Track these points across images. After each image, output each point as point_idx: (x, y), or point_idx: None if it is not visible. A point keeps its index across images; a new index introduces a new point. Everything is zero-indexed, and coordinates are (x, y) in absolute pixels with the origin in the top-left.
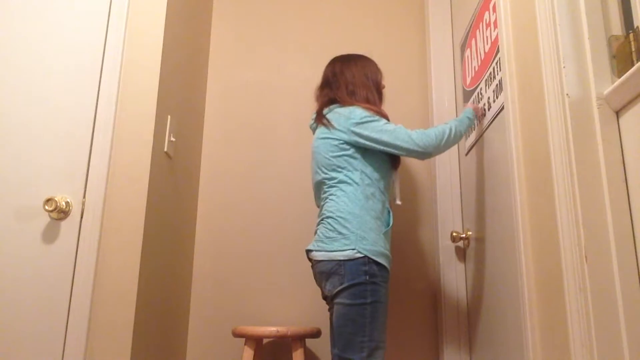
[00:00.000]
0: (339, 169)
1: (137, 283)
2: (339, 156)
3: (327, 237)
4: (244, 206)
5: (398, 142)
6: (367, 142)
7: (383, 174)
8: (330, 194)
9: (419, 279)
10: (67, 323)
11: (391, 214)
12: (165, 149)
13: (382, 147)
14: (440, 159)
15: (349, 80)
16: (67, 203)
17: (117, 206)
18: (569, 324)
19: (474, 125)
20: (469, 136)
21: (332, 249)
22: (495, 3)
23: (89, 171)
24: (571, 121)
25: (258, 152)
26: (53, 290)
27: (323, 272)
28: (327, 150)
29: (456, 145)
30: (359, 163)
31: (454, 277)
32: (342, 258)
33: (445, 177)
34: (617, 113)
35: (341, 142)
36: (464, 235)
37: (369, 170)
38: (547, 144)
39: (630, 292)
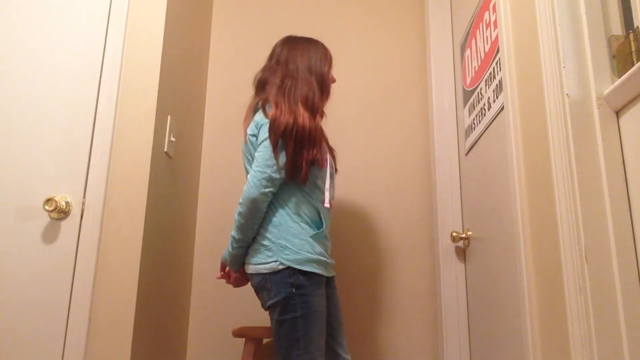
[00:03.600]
0: None
1: (137, 283)
2: (250, 161)
3: (253, 249)
4: None
5: (248, 183)
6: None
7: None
8: None
9: (419, 279)
10: (67, 323)
11: (323, 216)
12: (165, 149)
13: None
14: (440, 159)
15: (291, 73)
16: (67, 203)
17: (117, 206)
18: (569, 324)
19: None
20: (470, 133)
21: (257, 262)
22: (495, 3)
23: (89, 171)
24: (571, 121)
25: None
26: (53, 290)
27: (253, 286)
28: (246, 154)
29: (456, 145)
30: None
31: (454, 277)
32: (266, 271)
33: (445, 177)
34: (617, 113)
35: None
36: (464, 235)
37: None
38: (547, 144)
39: (630, 292)
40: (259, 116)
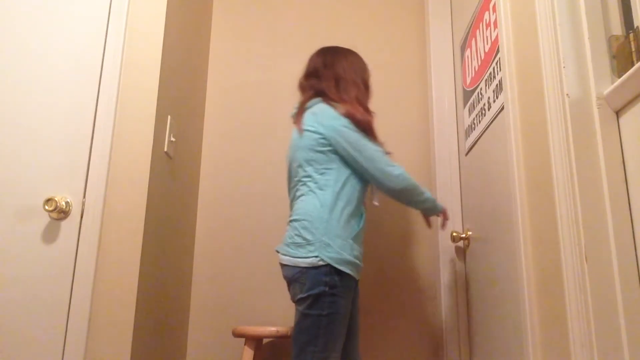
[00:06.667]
0: (317, 167)
1: (137, 283)
2: (320, 152)
3: (293, 243)
4: (244, 206)
5: (375, 165)
6: (345, 151)
7: (361, 175)
8: (302, 194)
9: (419, 278)
10: (67, 323)
11: (364, 215)
12: (165, 149)
13: (357, 165)
14: (440, 159)
15: (340, 74)
16: (67, 203)
17: (117, 206)
18: (569, 324)
19: (431, 208)
20: (470, 133)
21: (296, 255)
22: (495, 3)
23: (89, 171)
24: (571, 121)
25: (258, 152)
26: (53, 290)
27: (286, 277)
28: (308, 145)
29: (456, 145)
30: (338, 163)
31: (454, 277)
32: (304, 265)
33: (445, 177)
34: (617, 113)
35: (322, 138)
36: (464, 235)
37: (347, 172)
38: (547, 144)
39: (630, 292)
40: (326, 107)
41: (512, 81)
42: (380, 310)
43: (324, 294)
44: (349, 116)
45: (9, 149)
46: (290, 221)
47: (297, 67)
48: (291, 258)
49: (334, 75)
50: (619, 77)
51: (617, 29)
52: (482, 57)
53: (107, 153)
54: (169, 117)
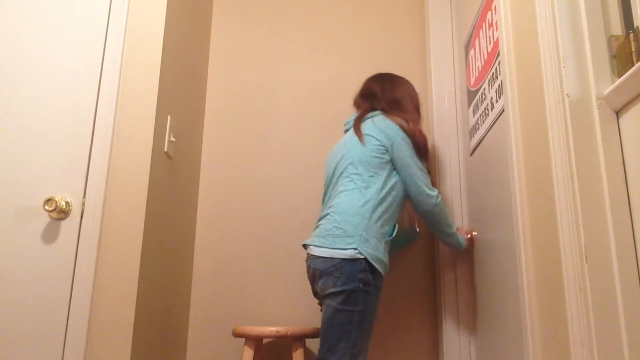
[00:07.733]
0: (369, 169)
1: (137, 283)
2: (376, 157)
3: (331, 235)
4: (244, 206)
5: (416, 182)
6: (394, 162)
7: (404, 190)
8: (345, 189)
9: (420, 278)
10: (67, 323)
11: (396, 228)
12: (165, 149)
13: (400, 177)
14: (441, 159)
15: (399, 99)
16: (67, 203)
17: (117, 206)
18: (569, 324)
19: (454, 243)
20: (474, 133)
21: (334, 246)
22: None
23: (89, 171)
24: (571, 121)
25: (258, 152)
26: (53, 290)
27: (318, 269)
28: (367, 148)
29: (457, 144)
30: (388, 171)
31: (454, 277)
32: (342, 257)
33: (446, 177)
34: (617, 113)
35: (380, 145)
36: (469, 236)
37: (393, 180)
38: (547, 144)
39: (630, 292)
40: (387, 120)
41: (512, 82)
42: (380, 310)
43: (357, 290)
44: (409, 133)
45: (9, 149)
46: (328, 214)
47: (297, 66)
48: (329, 249)
49: (393, 99)
50: (619, 77)
51: (617, 29)
52: (485, 58)
53: (107, 153)
54: (169, 117)
